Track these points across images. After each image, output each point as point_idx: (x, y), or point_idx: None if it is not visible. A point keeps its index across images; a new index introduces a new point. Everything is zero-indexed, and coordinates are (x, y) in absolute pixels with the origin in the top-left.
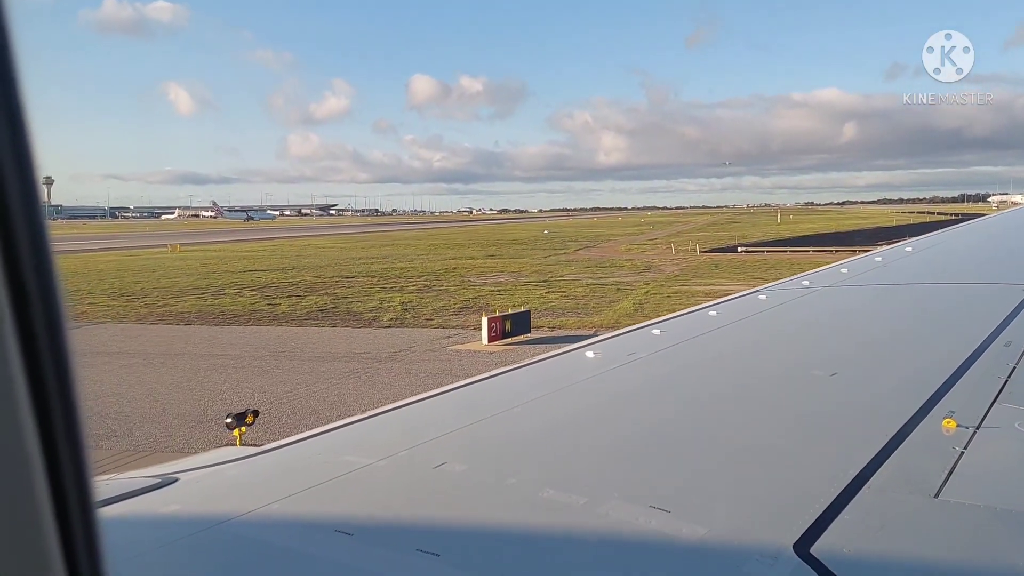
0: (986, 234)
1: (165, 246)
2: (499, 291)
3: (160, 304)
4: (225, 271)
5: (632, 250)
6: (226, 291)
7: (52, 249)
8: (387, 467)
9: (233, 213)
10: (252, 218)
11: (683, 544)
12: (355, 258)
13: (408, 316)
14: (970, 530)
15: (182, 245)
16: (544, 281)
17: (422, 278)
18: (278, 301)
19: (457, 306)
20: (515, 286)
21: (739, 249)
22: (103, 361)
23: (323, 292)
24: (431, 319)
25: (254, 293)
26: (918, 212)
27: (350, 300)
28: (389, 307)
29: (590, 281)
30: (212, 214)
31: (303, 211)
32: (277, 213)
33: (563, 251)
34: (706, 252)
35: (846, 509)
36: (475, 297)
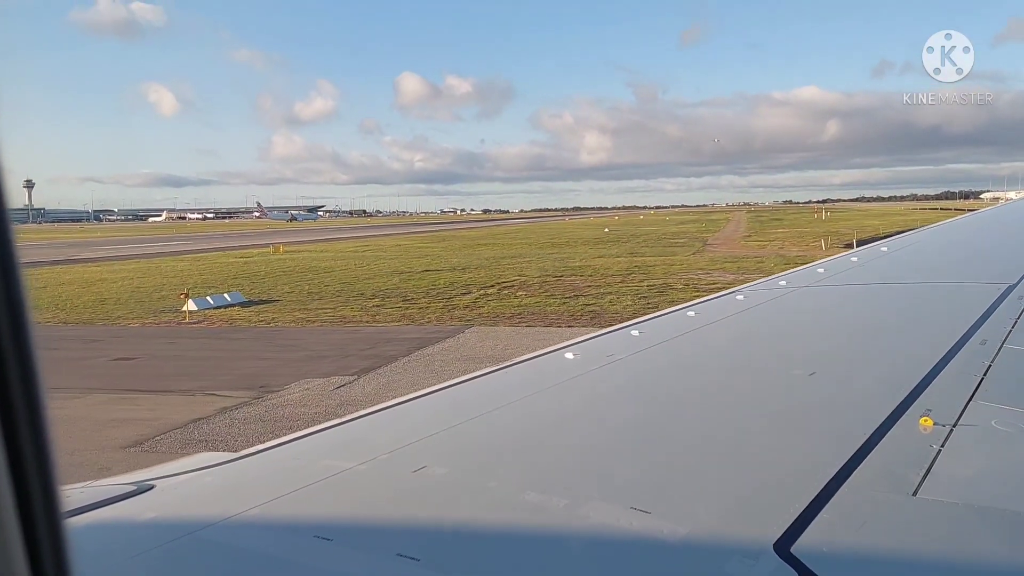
0: (961, 233)
1: (268, 247)
2: None
3: (456, 306)
4: (403, 271)
5: (767, 246)
6: (482, 291)
7: (17, 250)
8: (367, 471)
9: (275, 213)
10: (296, 218)
11: (664, 545)
12: (495, 258)
13: None
14: (947, 527)
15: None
16: None
17: (629, 276)
18: (566, 301)
19: None
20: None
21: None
22: None
23: (598, 294)
24: None
25: (523, 294)
26: (941, 208)
27: (649, 301)
28: None
29: None
30: (257, 214)
31: (290, 212)
32: (321, 213)
33: (689, 248)
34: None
35: (825, 508)
36: None
